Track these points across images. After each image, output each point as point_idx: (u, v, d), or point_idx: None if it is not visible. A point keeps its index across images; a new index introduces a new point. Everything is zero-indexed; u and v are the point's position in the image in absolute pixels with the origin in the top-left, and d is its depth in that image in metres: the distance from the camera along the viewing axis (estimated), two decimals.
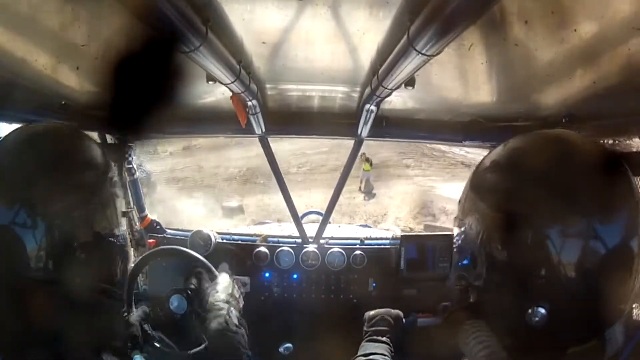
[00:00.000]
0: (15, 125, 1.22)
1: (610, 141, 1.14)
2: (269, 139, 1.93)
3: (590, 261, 0.76)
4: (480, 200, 0.90)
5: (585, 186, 0.77)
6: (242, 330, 1.35)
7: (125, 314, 1.51)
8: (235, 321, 1.36)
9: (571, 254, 0.76)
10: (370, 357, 1.28)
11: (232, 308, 1.40)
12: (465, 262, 0.94)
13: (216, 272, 1.57)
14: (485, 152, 1.17)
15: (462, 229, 0.96)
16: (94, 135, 1.71)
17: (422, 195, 10.09)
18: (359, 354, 1.32)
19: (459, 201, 1.00)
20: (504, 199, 0.85)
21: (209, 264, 1.59)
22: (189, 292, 1.61)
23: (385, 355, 1.30)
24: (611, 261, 0.75)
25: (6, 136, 0.96)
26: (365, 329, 1.45)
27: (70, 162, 0.98)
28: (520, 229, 0.79)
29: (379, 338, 1.38)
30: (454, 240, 1.02)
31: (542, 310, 0.78)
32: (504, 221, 0.83)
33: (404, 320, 1.48)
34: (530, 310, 0.79)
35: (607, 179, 0.78)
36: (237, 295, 1.50)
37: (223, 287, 1.47)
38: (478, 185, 0.94)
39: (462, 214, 0.97)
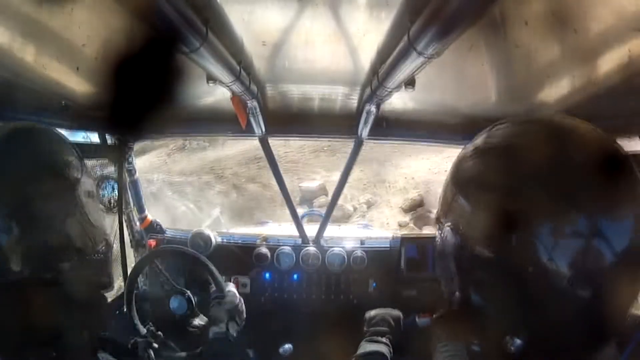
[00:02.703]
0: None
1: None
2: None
3: (591, 269, 0.65)
4: (461, 198, 0.77)
5: (589, 183, 0.66)
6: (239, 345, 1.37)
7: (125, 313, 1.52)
8: (234, 333, 1.38)
9: (567, 261, 0.65)
10: (369, 356, 1.28)
11: (233, 323, 1.42)
12: (445, 268, 0.83)
13: (224, 285, 1.58)
14: None
15: (442, 230, 0.83)
16: (94, 136, 1.73)
17: None
18: (357, 353, 1.32)
19: (439, 199, 0.88)
20: (490, 197, 0.73)
21: (219, 277, 1.60)
22: (192, 299, 1.62)
23: (384, 355, 1.30)
24: (612, 275, 0.65)
25: None
26: (365, 329, 1.45)
27: (42, 164, 0.92)
28: (506, 232, 0.68)
29: (379, 338, 1.38)
30: (435, 244, 0.89)
31: (518, 341, 0.69)
32: (489, 223, 0.72)
33: (403, 320, 1.48)
34: (506, 338, 0.69)
35: (613, 175, 0.67)
36: (241, 310, 1.52)
37: (229, 300, 1.49)
38: (459, 181, 0.80)
39: (442, 213, 0.85)
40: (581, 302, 0.66)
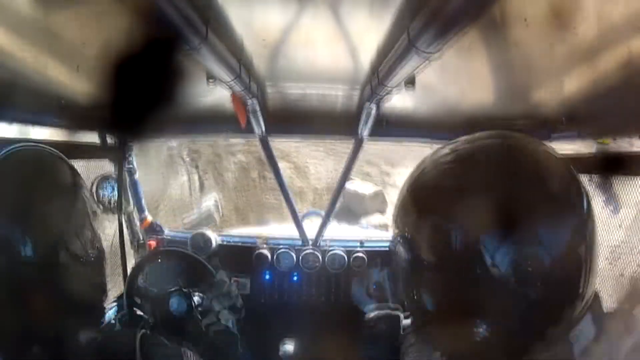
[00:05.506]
0: (15, 125, 1.23)
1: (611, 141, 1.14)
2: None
3: (533, 272, 0.70)
4: (411, 211, 0.82)
5: (530, 194, 0.72)
6: (236, 336, 1.37)
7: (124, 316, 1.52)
8: (230, 325, 1.38)
9: (511, 265, 0.70)
10: (383, 319, 1.30)
11: (226, 311, 1.42)
12: (401, 283, 0.87)
13: (214, 272, 1.57)
14: None
15: (395, 244, 0.87)
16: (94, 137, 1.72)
17: None
18: (369, 316, 1.34)
19: (393, 214, 0.91)
20: (437, 209, 0.78)
21: (206, 264, 1.59)
22: (188, 293, 1.62)
23: (398, 316, 1.31)
24: (555, 271, 0.70)
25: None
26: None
27: (46, 185, 1.03)
28: (454, 241, 0.74)
29: (389, 304, 1.39)
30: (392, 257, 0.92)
31: (482, 329, 0.73)
32: (434, 232, 0.77)
33: (404, 320, 1.47)
34: (472, 329, 0.73)
35: (552, 185, 0.74)
36: (234, 297, 1.51)
37: (218, 290, 1.48)
38: (409, 196, 0.85)
39: (395, 226, 0.88)
40: (528, 301, 0.71)
